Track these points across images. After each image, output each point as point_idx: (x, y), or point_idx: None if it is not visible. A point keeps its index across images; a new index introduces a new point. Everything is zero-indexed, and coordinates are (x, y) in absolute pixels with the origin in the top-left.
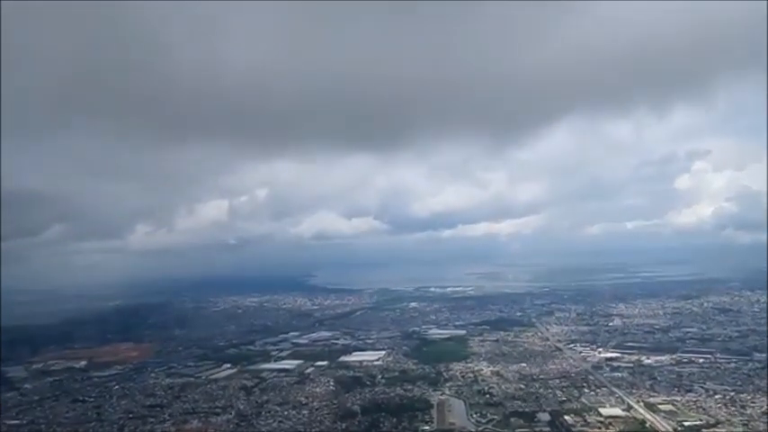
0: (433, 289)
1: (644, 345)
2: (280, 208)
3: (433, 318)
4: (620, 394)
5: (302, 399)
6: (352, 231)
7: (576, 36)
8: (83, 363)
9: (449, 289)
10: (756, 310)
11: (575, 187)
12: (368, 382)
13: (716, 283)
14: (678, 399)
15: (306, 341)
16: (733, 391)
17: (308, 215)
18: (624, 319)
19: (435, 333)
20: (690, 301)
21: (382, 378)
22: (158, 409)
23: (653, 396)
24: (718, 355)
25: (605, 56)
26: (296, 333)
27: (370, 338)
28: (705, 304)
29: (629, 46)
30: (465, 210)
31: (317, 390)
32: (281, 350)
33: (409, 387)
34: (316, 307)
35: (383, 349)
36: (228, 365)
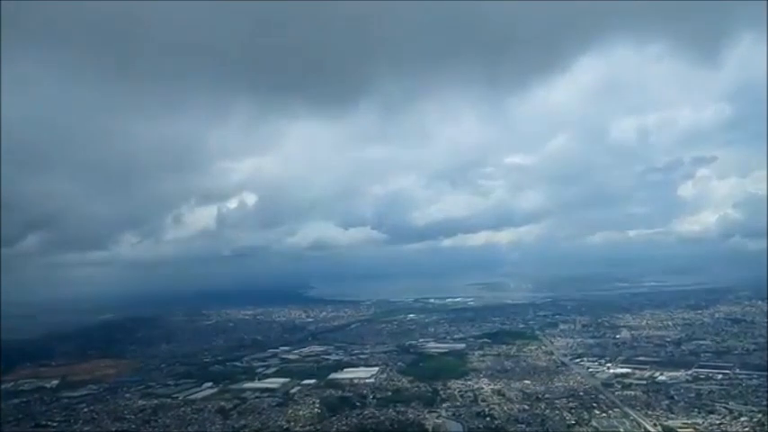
0: (432, 300)
1: (656, 359)
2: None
3: (432, 330)
4: (635, 416)
5: (283, 423)
6: (350, 241)
7: None
8: (54, 382)
9: (448, 300)
10: None
11: (576, 195)
12: (357, 403)
13: (725, 293)
14: (700, 421)
15: (296, 356)
16: (759, 412)
17: (302, 223)
18: (632, 331)
19: (433, 347)
20: (699, 311)
21: (374, 398)
22: None
23: (671, 418)
24: (738, 371)
25: None
26: (286, 348)
27: (363, 353)
28: (716, 315)
29: None
30: (464, 218)
31: (301, 412)
32: (269, 366)
33: (402, 408)
34: (310, 320)
35: (377, 365)
36: (210, 384)
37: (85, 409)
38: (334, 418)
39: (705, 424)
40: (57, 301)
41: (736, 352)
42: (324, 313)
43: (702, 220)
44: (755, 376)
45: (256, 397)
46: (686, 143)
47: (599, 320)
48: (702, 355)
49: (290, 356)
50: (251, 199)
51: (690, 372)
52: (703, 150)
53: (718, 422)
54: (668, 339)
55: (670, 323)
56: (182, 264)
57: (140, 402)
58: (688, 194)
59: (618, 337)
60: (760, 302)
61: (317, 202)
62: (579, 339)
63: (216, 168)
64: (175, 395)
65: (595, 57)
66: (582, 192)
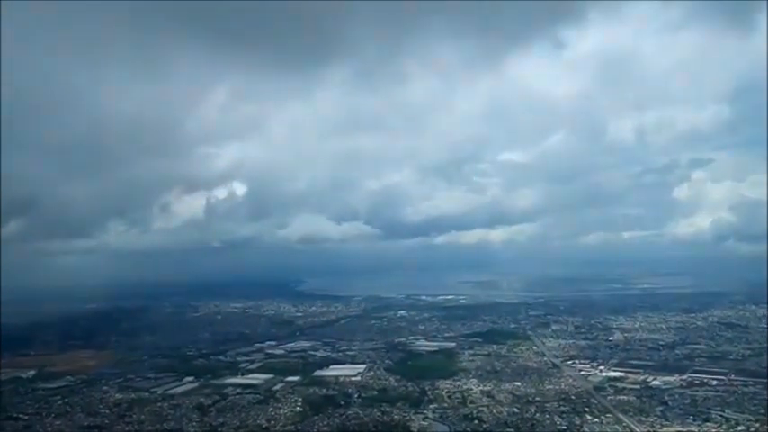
0: (423, 297)
1: (649, 363)
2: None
3: (422, 328)
4: (628, 422)
5: (263, 422)
6: (342, 236)
7: None
8: (31, 372)
9: (440, 297)
10: (765, 325)
11: (571, 194)
12: (342, 402)
13: (718, 297)
14: (695, 429)
15: (282, 352)
16: (757, 421)
17: (293, 216)
18: (625, 334)
19: (423, 345)
20: (693, 314)
21: (359, 397)
22: (95, 430)
23: (666, 425)
24: (733, 377)
25: None
26: (273, 342)
27: (351, 350)
28: (710, 318)
29: None
30: (458, 215)
31: (282, 411)
32: (253, 361)
33: (388, 409)
34: (300, 314)
35: (364, 362)
36: (191, 379)
37: (59, 402)
38: (315, 417)
39: None
40: (40, 290)
41: (730, 357)
42: (313, 308)
43: (697, 223)
44: (751, 383)
45: (237, 393)
46: (684, 143)
47: (591, 322)
48: (697, 359)
49: (276, 351)
50: (240, 189)
51: (684, 377)
52: (701, 152)
53: (714, 430)
54: (662, 343)
55: (663, 326)
56: (171, 254)
57: (117, 396)
58: (683, 197)
59: (611, 339)
60: (754, 307)
61: (308, 195)
62: (571, 341)
63: (197, 153)
64: (154, 389)
65: (609, 14)
66: (577, 191)
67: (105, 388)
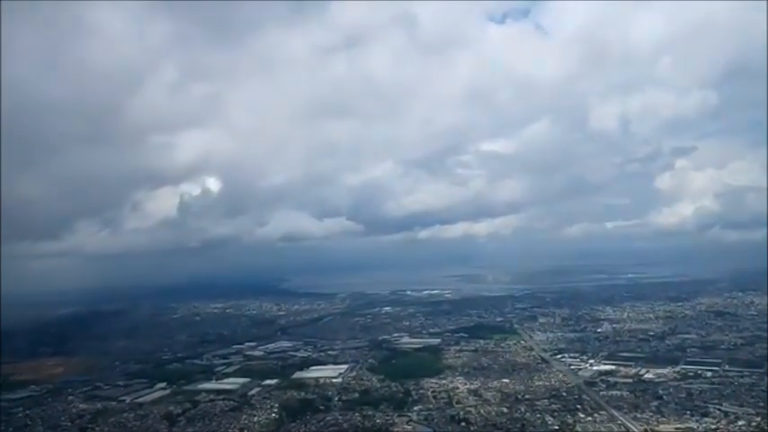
0: (408, 293)
1: (640, 355)
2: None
3: (407, 324)
4: (623, 420)
5: (235, 431)
6: (324, 232)
7: None
8: None
9: (425, 292)
10: (754, 313)
11: (554, 185)
12: (321, 407)
13: (704, 285)
14: (694, 426)
15: (261, 353)
16: (757, 414)
17: (273, 212)
18: (614, 325)
19: (407, 342)
20: (680, 303)
21: (339, 400)
22: None
23: (663, 422)
24: (727, 367)
25: None
26: (252, 343)
27: (333, 349)
28: (698, 307)
29: None
30: (442, 209)
31: (257, 418)
32: (230, 364)
33: (370, 412)
34: (282, 313)
35: (346, 362)
36: (163, 385)
37: (20, 414)
38: (292, 424)
39: (700, 428)
40: (7, 296)
41: (722, 347)
42: (296, 306)
43: (680, 211)
44: (746, 373)
45: (210, 400)
46: (668, 131)
47: (579, 313)
48: (689, 350)
49: (255, 353)
50: (214, 185)
51: (677, 368)
52: (684, 140)
53: (714, 426)
54: (651, 333)
55: (652, 316)
56: (147, 255)
57: (81, 406)
58: (666, 186)
59: (599, 330)
60: (740, 294)
61: (287, 190)
62: (560, 333)
63: (150, 143)
64: (123, 398)
65: None
66: (560, 182)
67: (71, 398)
